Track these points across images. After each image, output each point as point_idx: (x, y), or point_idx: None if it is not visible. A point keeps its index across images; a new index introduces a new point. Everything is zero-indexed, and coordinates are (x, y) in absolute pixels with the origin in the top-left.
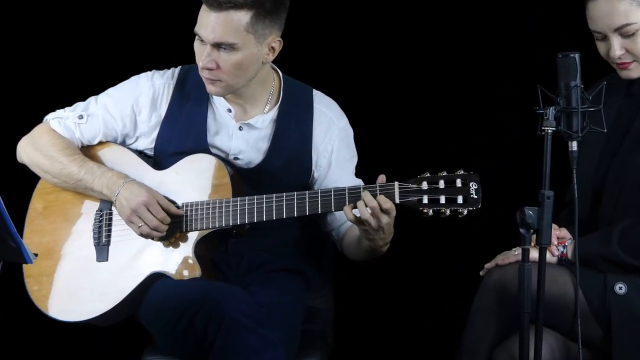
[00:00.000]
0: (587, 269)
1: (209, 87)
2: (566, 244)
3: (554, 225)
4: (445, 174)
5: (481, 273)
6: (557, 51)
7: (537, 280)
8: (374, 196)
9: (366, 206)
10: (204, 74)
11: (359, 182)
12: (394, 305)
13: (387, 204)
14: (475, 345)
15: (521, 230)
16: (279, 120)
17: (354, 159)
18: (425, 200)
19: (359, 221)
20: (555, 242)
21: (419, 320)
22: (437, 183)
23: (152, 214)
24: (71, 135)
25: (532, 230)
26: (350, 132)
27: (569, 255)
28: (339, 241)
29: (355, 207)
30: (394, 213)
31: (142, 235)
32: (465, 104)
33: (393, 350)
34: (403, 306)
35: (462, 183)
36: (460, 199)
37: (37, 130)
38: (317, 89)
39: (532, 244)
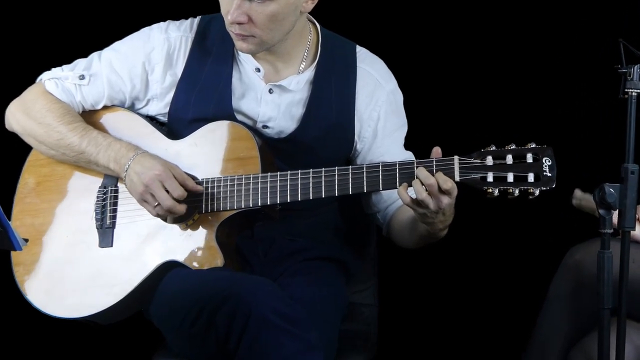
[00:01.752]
0: None
1: (239, 44)
2: None
3: None
4: (513, 147)
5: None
6: None
7: (619, 268)
8: (431, 173)
9: (422, 184)
10: (233, 29)
11: (409, 155)
12: (448, 299)
13: (448, 183)
14: (548, 338)
15: (601, 211)
16: (316, 81)
17: (403, 128)
18: (490, 178)
19: (415, 203)
20: None
21: (477, 317)
22: (504, 158)
23: (167, 191)
24: (70, 99)
25: (613, 211)
26: (399, 96)
27: None
28: (386, 225)
29: (409, 186)
30: (455, 193)
31: (158, 216)
32: (536, 64)
33: (446, 351)
34: (458, 300)
35: (534, 158)
36: (531, 177)
37: (30, 93)
38: (361, 45)
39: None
